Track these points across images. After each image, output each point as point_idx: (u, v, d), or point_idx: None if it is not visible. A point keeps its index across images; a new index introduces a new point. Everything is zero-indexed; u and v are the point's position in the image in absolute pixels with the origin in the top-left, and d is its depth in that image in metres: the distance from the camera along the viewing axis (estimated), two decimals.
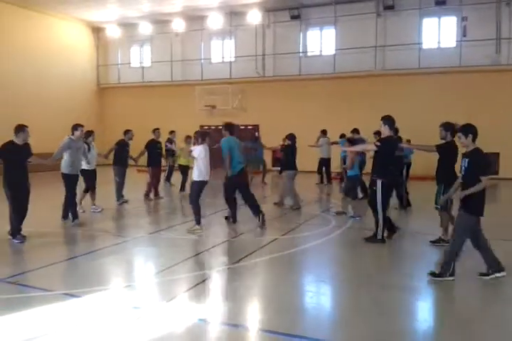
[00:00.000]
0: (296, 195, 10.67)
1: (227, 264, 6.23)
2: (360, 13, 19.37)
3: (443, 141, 7.04)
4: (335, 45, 20.28)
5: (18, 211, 7.30)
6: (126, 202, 11.14)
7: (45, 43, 21.57)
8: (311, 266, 6.46)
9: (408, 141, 11.79)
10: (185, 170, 13.04)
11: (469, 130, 5.33)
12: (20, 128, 7.25)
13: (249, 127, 21.09)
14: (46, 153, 9.05)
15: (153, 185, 11.97)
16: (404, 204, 10.53)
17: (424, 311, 4.87)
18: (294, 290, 5.38)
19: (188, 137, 12.23)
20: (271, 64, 21.42)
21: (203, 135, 8.14)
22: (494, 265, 5.48)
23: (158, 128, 12.42)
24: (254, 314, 4.72)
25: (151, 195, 11.97)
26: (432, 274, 5.45)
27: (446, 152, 6.87)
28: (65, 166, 8.57)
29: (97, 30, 24.60)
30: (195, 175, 7.98)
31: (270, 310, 4.70)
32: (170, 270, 5.92)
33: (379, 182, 7.06)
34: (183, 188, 12.99)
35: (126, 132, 11.36)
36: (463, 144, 5.41)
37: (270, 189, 15.09)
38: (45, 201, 10.58)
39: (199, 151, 7.95)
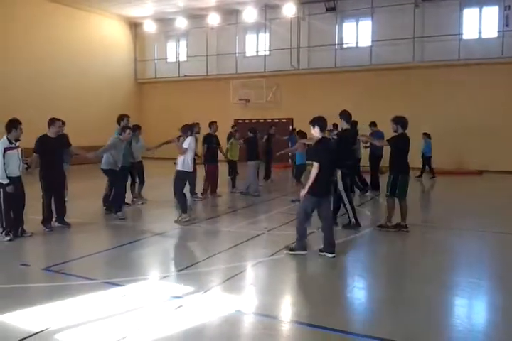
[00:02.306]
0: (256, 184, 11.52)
1: (264, 257, 6.29)
2: (397, 3, 18.98)
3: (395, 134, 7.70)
4: (371, 36, 19.98)
5: (51, 201, 7.62)
6: (198, 198, 10.84)
7: (84, 39, 22.11)
8: (347, 260, 6.46)
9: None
10: (235, 165, 12.58)
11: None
12: (52, 122, 7.56)
13: (283, 120, 21.08)
14: (86, 146, 9.35)
15: (210, 182, 11.24)
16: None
17: (456, 305, 4.83)
18: (330, 283, 5.42)
19: (234, 132, 12.71)
20: (305, 57, 21.30)
21: (191, 128, 8.60)
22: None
23: (215, 122, 11.49)
24: (289, 306, 4.78)
25: (208, 193, 11.27)
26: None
27: (398, 144, 7.55)
28: (105, 163, 8.79)
29: (134, 26, 25.03)
30: (180, 164, 8.24)
31: (305, 302, 4.76)
32: (207, 261, 6.06)
33: (338, 172, 7.67)
34: (233, 185, 12.32)
35: (194, 125, 10.88)
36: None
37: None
38: (90, 192, 10.93)
39: (190, 143, 8.24)
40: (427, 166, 15.85)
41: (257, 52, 22.67)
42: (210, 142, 11.15)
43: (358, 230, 7.76)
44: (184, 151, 8.12)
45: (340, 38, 20.91)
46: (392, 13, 19.37)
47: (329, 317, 4.34)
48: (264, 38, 22.41)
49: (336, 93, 20.25)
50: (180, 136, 10.19)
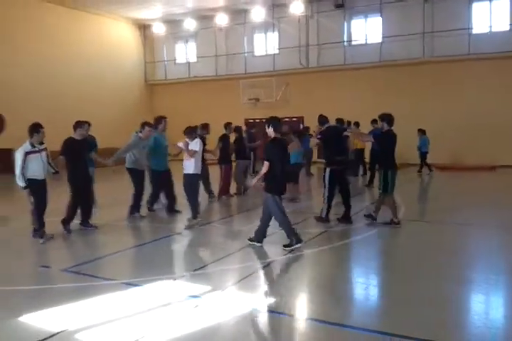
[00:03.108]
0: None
1: (278, 255, 6.31)
2: None
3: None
4: (381, 33, 19.89)
5: (78, 203, 7.72)
6: (214, 197, 10.85)
7: (94, 42, 22.30)
8: (362, 258, 6.48)
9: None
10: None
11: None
12: (78, 125, 7.69)
13: (293, 119, 21.05)
14: (99, 148, 9.40)
15: (225, 182, 11.19)
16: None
17: (475, 301, 4.81)
18: (346, 281, 5.44)
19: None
20: (315, 54, 21.27)
21: (195, 130, 8.28)
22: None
23: (230, 123, 11.48)
24: (305, 304, 4.80)
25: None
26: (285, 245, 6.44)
27: (384, 140, 7.74)
28: (129, 161, 8.77)
29: (143, 28, 25.17)
30: (190, 168, 7.90)
31: (321, 300, 4.77)
32: (223, 260, 6.10)
33: (327, 170, 8.02)
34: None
35: (228, 125, 11.20)
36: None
37: (317, 181, 15.06)
38: (111, 193, 11.14)
39: (199, 145, 7.97)
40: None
41: (266, 51, 22.68)
42: (226, 143, 11.20)
43: (329, 225, 7.96)
44: (194, 153, 7.86)
45: (349, 35, 20.85)
46: (401, 9, 19.29)
47: (346, 314, 4.36)
48: (273, 36, 22.42)
49: (346, 90, 20.22)
50: (218, 144, 10.33)
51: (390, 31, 19.46)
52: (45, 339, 3.84)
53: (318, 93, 20.76)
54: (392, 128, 7.77)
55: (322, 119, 8.57)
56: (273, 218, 6.56)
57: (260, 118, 21.50)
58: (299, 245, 6.41)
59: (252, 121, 21.41)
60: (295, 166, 10.50)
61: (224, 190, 11.19)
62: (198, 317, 4.28)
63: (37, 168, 6.94)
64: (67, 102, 20.12)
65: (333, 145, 8.13)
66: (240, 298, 4.77)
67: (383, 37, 19.78)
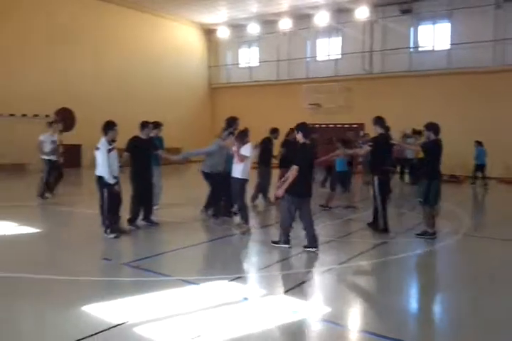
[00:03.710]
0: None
1: (334, 264, 6.23)
2: (477, 5, 18.15)
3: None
4: (450, 39, 19.25)
5: (140, 201, 7.96)
6: (271, 202, 10.70)
7: (161, 46, 23.04)
8: (423, 271, 6.28)
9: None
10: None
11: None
12: (144, 124, 7.99)
13: (354, 125, 20.77)
14: (166, 147, 9.68)
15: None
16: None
17: None
18: (404, 294, 5.27)
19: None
20: (379, 60, 20.90)
21: (246, 134, 7.92)
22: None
23: (277, 129, 11.28)
24: (359, 315, 4.68)
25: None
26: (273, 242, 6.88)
27: (430, 150, 7.60)
28: (204, 165, 8.73)
29: (208, 32, 25.70)
30: (239, 172, 7.74)
31: (377, 312, 4.64)
32: (279, 265, 6.12)
33: (375, 179, 7.88)
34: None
35: (274, 131, 10.99)
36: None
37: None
38: (180, 191, 11.47)
39: (250, 150, 7.80)
40: (480, 174, 15.42)
41: (329, 56, 22.54)
42: (267, 146, 11.00)
43: (388, 236, 7.70)
44: (244, 159, 7.70)
45: (416, 41, 20.34)
46: (471, 15, 18.56)
47: (403, 330, 4.21)
48: (336, 41, 22.25)
49: (410, 97, 19.69)
50: (260, 143, 10.20)
51: (459, 38, 18.78)
52: (105, 330, 3.98)
53: (381, 100, 20.32)
54: (439, 137, 7.58)
55: (383, 123, 8.20)
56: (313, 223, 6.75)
57: (320, 124, 21.43)
58: (286, 246, 6.77)
59: (312, 126, 21.35)
60: (341, 174, 10.49)
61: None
62: (250, 321, 4.28)
63: (114, 166, 7.19)
64: (134, 103, 20.93)
65: (382, 154, 8.02)
66: (292, 304, 4.72)
67: (451, 43, 19.13)
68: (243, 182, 7.85)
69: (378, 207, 7.94)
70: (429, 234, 7.56)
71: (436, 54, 19.65)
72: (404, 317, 4.54)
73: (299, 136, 6.70)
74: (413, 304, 5.03)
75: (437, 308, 4.94)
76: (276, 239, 6.91)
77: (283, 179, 6.88)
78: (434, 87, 19.21)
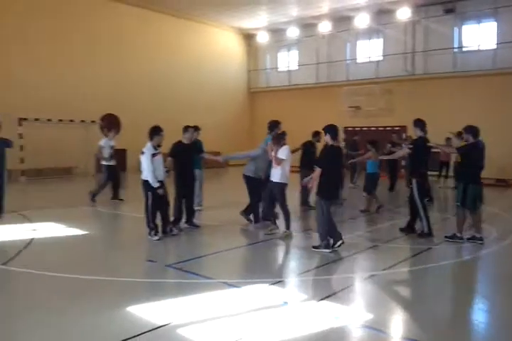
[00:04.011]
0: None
1: (378, 270, 6.15)
2: None
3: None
4: (496, 38, 18.67)
5: (181, 203, 8.15)
6: (311, 207, 10.50)
7: (202, 51, 23.43)
8: (469, 279, 6.11)
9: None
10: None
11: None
12: (186, 129, 8.21)
13: (395, 128, 20.41)
14: (206, 151, 9.84)
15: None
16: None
17: None
18: (448, 302, 5.15)
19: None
20: (421, 61, 20.47)
21: (283, 136, 7.90)
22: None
23: (319, 132, 10.46)
24: (399, 321, 4.61)
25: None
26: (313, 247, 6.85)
27: (468, 153, 7.41)
28: (247, 169, 8.69)
29: (247, 37, 25.91)
30: (280, 176, 7.66)
31: (419, 320, 4.53)
32: (321, 269, 6.11)
33: (414, 181, 7.83)
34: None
35: (316, 134, 10.77)
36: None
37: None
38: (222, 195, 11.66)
39: (287, 152, 7.71)
40: None
41: (369, 58, 22.28)
42: (308, 149, 10.91)
43: (432, 240, 7.66)
44: (280, 162, 7.62)
45: (460, 41, 19.82)
46: None
47: (445, 339, 4.13)
48: (377, 43, 21.97)
49: (454, 99, 19.19)
50: (298, 149, 10.23)
51: (506, 37, 18.18)
52: (149, 330, 4.08)
53: (424, 102, 19.88)
54: (480, 139, 7.45)
55: (423, 126, 8.02)
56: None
57: (361, 127, 21.20)
58: (327, 250, 6.70)
59: (351, 129, 21.14)
60: (372, 176, 10.46)
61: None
62: (291, 325, 4.29)
63: (159, 170, 7.39)
64: (176, 108, 21.37)
65: (421, 157, 7.97)
66: (333, 309, 4.69)
67: (498, 43, 18.54)
68: (282, 186, 7.80)
69: (420, 210, 7.84)
70: (458, 238, 7.47)
71: (482, 54, 19.07)
72: (447, 325, 4.44)
73: (327, 138, 6.69)
74: (456, 312, 4.90)
75: (480, 318, 4.79)
76: (317, 243, 6.91)
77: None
78: (480, 88, 18.65)
